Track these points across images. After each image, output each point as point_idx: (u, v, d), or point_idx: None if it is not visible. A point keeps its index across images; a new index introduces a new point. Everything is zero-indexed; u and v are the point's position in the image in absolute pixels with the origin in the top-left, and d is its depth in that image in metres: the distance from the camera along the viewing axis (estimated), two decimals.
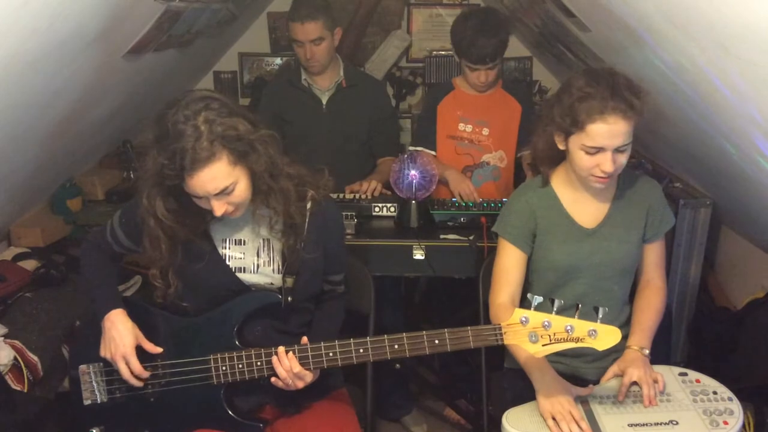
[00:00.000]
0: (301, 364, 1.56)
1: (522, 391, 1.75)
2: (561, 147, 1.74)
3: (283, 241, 1.65)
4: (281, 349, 1.56)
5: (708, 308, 2.57)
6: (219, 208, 1.50)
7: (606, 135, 1.61)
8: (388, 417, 2.76)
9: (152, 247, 1.60)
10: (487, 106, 2.59)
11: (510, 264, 1.83)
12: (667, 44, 1.67)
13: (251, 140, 1.49)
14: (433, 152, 2.65)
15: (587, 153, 1.65)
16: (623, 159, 1.67)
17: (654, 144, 2.65)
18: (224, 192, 1.48)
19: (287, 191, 1.58)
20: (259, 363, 1.59)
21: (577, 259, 1.80)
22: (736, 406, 1.64)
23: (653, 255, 1.87)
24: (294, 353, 1.56)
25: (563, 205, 1.82)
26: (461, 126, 2.62)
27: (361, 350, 1.55)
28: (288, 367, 1.55)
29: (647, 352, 1.74)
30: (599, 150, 1.63)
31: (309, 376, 1.59)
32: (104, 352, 1.64)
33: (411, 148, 2.71)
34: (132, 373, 1.62)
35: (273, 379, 1.58)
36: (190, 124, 1.43)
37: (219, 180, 1.46)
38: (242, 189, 1.51)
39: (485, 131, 2.60)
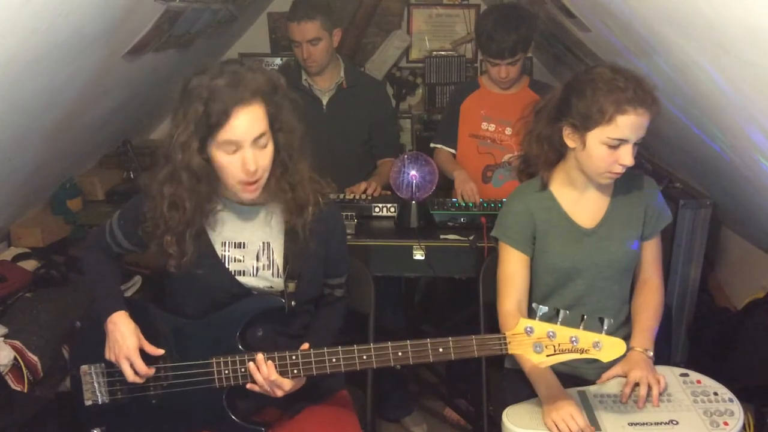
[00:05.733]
0: (303, 370, 1.55)
1: (522, 391, 1.75)
2: (571, 145, 1.72)
3: (285, 245, 1.65)
4: (260, 356, 1.55)
5: (708, 308, 2.57)
6: (252, 161, 1.49)
7: (633, 126, 1.62)
8: (388, 418, 2.76)
9: (173, 209, 1.55)
10: (511, 105, 2.53)
11: (514, 268, 1.82)
12: (666, 45, 1.67)
13: (281, 97, 1.54)
14: (453, 150, 2.65)
15: (609, 147, 1.65)
16: (634, 154, 1.67)
17: (654, 144, 2.64)
18: (260, 140, 1.50)
19: (302, 174, 1.61)
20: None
21: (577, 259, 1.79)
22: (736, 407, 1.64)
23: (650, 253, 1.87)
24: (274, 361, 1.54)
25: (561, 205, 1.82)
26: (484, 125, 2.60)
27: (365, 357, 1.54)
28: (266, 374, 1.54)
29: (651, 353, 1.74)
30: (622, 142, 1.64)
31: (287, 384, 1.56)
32: (109, 355, 1.63)
33: (432, 145, 2.71)
34: (137, 373, 1.60)
35: (249, 384, 1.57)
36: (228, 73, 1.46)
37: (260, 122, 1.49)
38: (271, 150, 1.54)
39: (508, 131, 2.58)
